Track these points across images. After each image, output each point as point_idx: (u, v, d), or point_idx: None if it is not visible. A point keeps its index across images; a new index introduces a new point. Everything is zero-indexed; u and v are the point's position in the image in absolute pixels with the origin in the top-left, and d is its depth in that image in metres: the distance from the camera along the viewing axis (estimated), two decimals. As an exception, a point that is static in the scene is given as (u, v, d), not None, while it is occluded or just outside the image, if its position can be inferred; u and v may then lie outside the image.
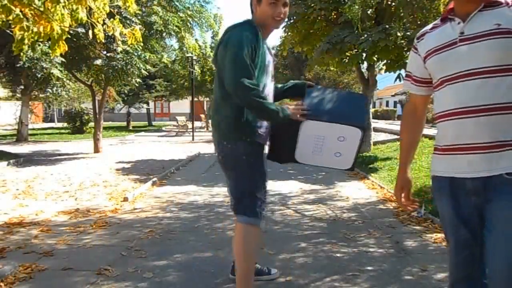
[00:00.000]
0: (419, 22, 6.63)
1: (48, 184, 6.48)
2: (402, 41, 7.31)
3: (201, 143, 14.88)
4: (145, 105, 28.05)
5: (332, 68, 11.40)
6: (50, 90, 15.11)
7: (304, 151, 2.32)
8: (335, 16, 8.34)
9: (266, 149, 2.38)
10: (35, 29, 3.14)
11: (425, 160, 7.44)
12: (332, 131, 2.23)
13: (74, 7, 3.21)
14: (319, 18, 8.36)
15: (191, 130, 17.30)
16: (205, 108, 31.81)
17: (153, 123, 32.60)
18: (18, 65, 10.60)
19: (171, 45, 18.62)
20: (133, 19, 8.60)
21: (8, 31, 3.45)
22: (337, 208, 4.79)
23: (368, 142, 9.67)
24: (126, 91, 23.00)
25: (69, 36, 3.61)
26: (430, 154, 6.90)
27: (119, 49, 6.73)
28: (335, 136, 2.24)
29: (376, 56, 8.08)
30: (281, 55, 20.79)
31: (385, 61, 8.63)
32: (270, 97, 2.31)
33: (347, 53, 8.50)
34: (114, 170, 7.97)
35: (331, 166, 2.46)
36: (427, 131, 15.09)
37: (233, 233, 3.80)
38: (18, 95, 16.26)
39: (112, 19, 3.69)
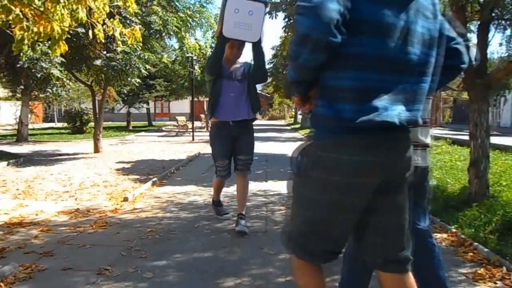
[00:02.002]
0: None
1: (48, 184, 6.48)
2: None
3: (201, 143, 14.87)
4: (145, 105, 28.03)
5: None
6: (50, 90, 15.08)
7: (227, 25, 3.25)
8: (335, 16, 8.33)
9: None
10: (35, 29, 3.14)
11: (425, 160, 7.46)
12: (244, 6, 3.18)
13: (74, 7, 3.21)
14: (319, 18, 8.35)
15: (191, 130, 17.29)
16: (205, 108, 31.80)
17: (153, 123, 32.58)
18: (18, 65, 10.61)
19: (171, 45, 18.63)
20: (133, 19, 8.60)
21: (8, 31, 3.45)
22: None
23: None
24: (126, 91, 22.97)
25: (69, 36, 3.62)
26: (430, 154, 6.92)
27: (119, 49, 6.73)
28: (247, 10, 3.19)
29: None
30: (281, 55, 20.79)
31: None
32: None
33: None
34: (114, 170, 7.97)
35: (245, 39, 3.37)
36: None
37: (233, 232, 3.81)
38: (18, 95, 16.25)
39: (112, 19, 3.70)
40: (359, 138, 1.34)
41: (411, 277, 1.51)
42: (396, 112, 1.34)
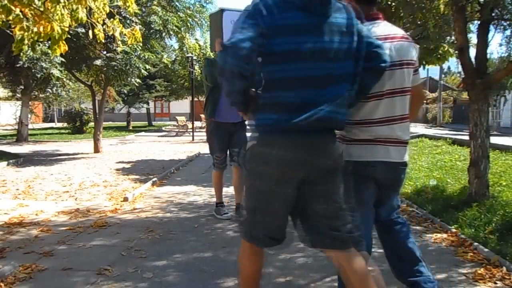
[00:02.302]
0: (419, 22, 6.62)
1: (48, 184, 6.48)
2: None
3: (201, 143, 14.87)
4: (145, 105, 28.04)
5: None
6: (50, 90, 15.09)
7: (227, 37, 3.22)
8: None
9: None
10: (35, 29, 3.14)
11: (425, 160, 7.44)
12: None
13: (74, 7, 3.21)
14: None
15: (191, 130, 17.30)
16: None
17: (153, 123, 32.59)
18: (18, 65, 10.60)
19: (171, 45, 18.62)
20: (133, 19, 8.60)
21: (8, 31, 3.45)
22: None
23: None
24: (126, 91, 23.00)
25: (69, 36, 3.62)
26: (430, 154, 6.90)
27: (119, 49, 6.72)
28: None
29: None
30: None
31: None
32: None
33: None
34: (114, 170, 7.97)
35: None
36: (426, 131, 15.11)
37: (233, 233, 3.81)
38: (18, 95, 16.26)
39: (112, 19, 3.70)
40: (286, 138, 1.66)
41: (356, 254, 1.74)
42: (317, 117, 1.62)
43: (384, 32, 1.95)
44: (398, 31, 2.03)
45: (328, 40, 1.64)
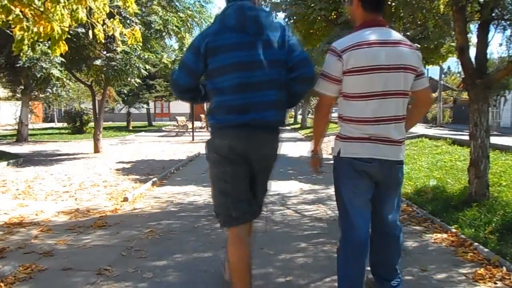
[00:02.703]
0: (419, 22, 6.62)
1: (48, 184, 6.48)
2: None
3: (201, 143, 14.87)
4: (145, 105, 28.03)
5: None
6: (50, 90, 15.09)
7: None
8: (335, 16, 8.32)
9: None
10: (35, 29, 3.13)
11: (425, 160, 7.44)
12: None
13: (74, 7, 3.21)
14: (319, 18, 8.34)
15: (191, 130, 17.30)
16: (205, 108, 31.78)
17: (153, 123, 32.59)
18: (18, 65, 10.60)
19: (171, 45, 18.59)
20: (133, 19, 8.60)
21: (8, 31, 3.45)
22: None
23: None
24: (126, 91, 22.98)
25: (69, 36, 3.61)
26: (430, 154, 6.89)
27: (119, 49, 6.72)
28: None
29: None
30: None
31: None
32: None
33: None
34: (114, 170, 7.97)
35: None
36: (426, 131, 15.10)
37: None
38: (18, 95, 16.25)
39: (112, 19, 3.70)
40: (228, 132, 2.12)
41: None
42: (250, 117, 2.07)
43: (381, 37, 2.05)
44: (398, 38, 2.11)
45: (266, 53, 2.08)
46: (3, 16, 2.98)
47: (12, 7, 2.91)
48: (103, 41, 3.83)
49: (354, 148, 2.08)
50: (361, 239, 2.13)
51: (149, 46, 10.60)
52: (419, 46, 7.13)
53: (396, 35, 2.12)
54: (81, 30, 7.52)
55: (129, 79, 10.49)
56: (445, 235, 3.69)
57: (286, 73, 2.13)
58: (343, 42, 2.06)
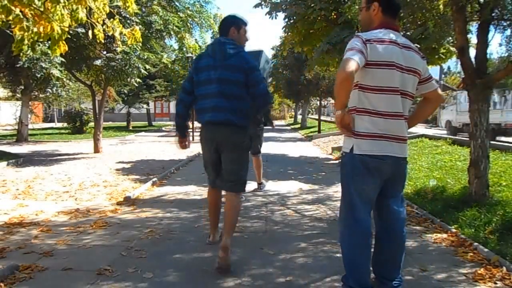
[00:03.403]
0: (419, 22, 6.61)
1: (48, 184, 6.48)
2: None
3: (201, 143, 14.87)
4: (145, 105, 28.03)
5: (332, 69, 11.37)
6: (50, 90, 15.08)
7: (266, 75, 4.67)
8: (335, 16, 8.32)
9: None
10: (35, 29, 3.13)
11: (425, 160, 7.44)
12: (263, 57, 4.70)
13: (74, 7, 3.21)
14: (319, 18, 8.34)
15: (191, 130, 17.29)
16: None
17: (153, 123, 32.59)
18: (18, 65, 10.61)
19: (171, 45, 18.59)
20: (133, 19, 8.59)
21: (8, 31, 3.45)
22: (337, 208, 4.75)
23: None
24: (126, 91, 22.99)
25: (69, 36, 3.62)
26: (430, 154, 6.88)
27: (119, 49, 6.71)
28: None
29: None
30: (281, 55, 20.78)
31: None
32: None
33: (347, 53, 8.47)
34: (114, 170, 7.97)
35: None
36: (426, 131, 15.10)
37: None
38: (18, 95, 16.25)
39: (112, 19, 3.70)
40: (206, 126, 3.11)
41: (234, 196, 3.11)
42: (218, 117, 2.98)
43: (399, 40, 2.20)
44: (410, 44, 2.27)
45: (225, 73, 2.95)
46: (3, 16, 2.98)
47: (12, 7, 2.92)
48: (103, 41, 3.83)
49: (369, 145, 2.14)
50: (366, 232, 2.20)
51: (149, 46, 10.60)
52: (419, 46, 7.14)
53: (409, 41, 2.27)
54: (81, 30, 7.52)
55: (129, 79, 10.49)
56: (445, 235, 3.69)
57: (245, 90, 2.97)
58: (367, 35, 2.14)
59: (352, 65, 1.98)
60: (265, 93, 2.99)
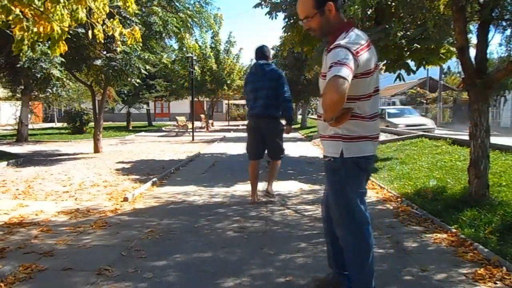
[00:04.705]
0: (419, 22, 6.61)
1: (48, 184, 6.48)
2: (402, 41, 7.29)
3: (201, 143, 14.88)
4: (145, 105, 28.03)
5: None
6: (50, 90, 15.07)
7: None
8: (335, 16, 8.31)
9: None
10: (35, 29, 3.13)
11: (425, 160, 7.44)
12: None
13: (74, 7, 3.21)
14: (319, 18, 8.33)
15: (191, 130, 17.30)
16: (205, 108, 31.78)
17: (153, 123, 32.59)
18: (18, 65, 10.60)
19: (171, 46, 18.60)
20: (133, 19, 8.59)
21: (8, 31, 3.45)
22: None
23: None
24: (126, 91, 22.98)
25: (69, 36, 3.61)
26: (430, 154, 6.87)
27: (119, 49, 6.71)
28: None
29: (375, 56, 8.05)
30: (281, 55, 20.77)
31: (384, 61, 8.62)
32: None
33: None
34: (114, 170, 7.97)
35: None
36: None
37: (233, 233, 3.82)
38: (18, 95, 16.25)
39: (111, 19, 3.69)
40: (251, 118, 5.05)
41: (277, 162, 5.23)
42: (257, 111, 4.93)
43: (366, 38, 2.15)
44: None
45: (265, 83, 4.85)
46: (3, 16, 2.97)
47: (12, 7, 2.91)
48: (103, 41, 3.83)
49: (359, 147, 2.15)
50: (370, 231, 2.28)
51: (149, 46, 10.60)
52: (419, 46, 7.13)
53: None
54: (81, 30, 7.51)
55: (129, 79, 10.48)
56: (445, 235, 3.69)
57: (276, 94, 4.85)
58: (352, 45, 1.99)
59: (347, 87, 1.86)
60: (288, 98, 4.93)
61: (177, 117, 21.43)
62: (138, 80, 11.10)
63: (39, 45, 6.74)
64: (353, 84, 1.95)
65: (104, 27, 3.64)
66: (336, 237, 2.35)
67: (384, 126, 15.28)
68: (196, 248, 3.41)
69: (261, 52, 5.05)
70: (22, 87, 14.72)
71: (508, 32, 4.72)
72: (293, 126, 5.40)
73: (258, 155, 5.05)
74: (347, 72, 1.87)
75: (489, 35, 4.61)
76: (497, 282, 2.71)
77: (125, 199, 5.16)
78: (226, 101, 38.53)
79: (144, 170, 7.88)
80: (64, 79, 12.94)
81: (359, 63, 1.98)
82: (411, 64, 8.22)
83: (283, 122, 5.08)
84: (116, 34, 3.72)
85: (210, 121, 26.64)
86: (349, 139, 2.13)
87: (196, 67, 18.69)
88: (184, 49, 12.72)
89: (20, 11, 3.01)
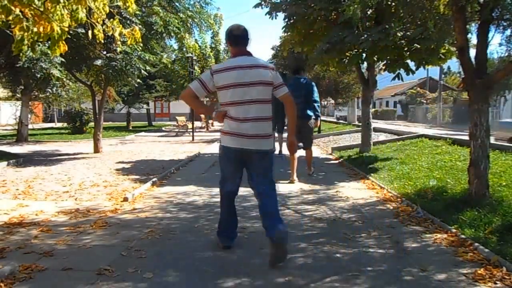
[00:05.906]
0: (419, 22, 6.62)
1: (48, 184, 6.48)
2: (402, 41, 7.30)
3: (201, 143, 14.88)
4: (145, 105, 28.02)
5: (332, 68, 11.37)
6: (50, 90, 15.07)
7: None
8: (335, 16, 8.31)
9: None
10: (35, 29, 3.13)
11: (425, 160, 7.44)
12: None
13: (74, 7, 3.21)
14: (319, 18, 8.34)
15: (191, 130, 17.30)
16: (205, 108, 31.61)
17: (153, 123, 32.59)
18: (18, 65, 10.59)
19: (171, 46, 18.63)
20: (133, 19, 8.59)
21: (8, 31, 3.45)
22: (337, 209, 4.79)
23: (368, 142, 9.64)
24: (126, 91, 22.99)
25: (69, 36, 3.61)
26: (430, 154, 6.87)
27: (119, 49, 6.71)
28: None
29: (375, 56, 8.07)
30: (281, 55, 20.75)
31: (384, 61, 8.62)
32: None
33: (347, 53, 8.48)
34: (114, 170, 7.97)
35: None
36: (427, 131, 15.10)
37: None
38: (18, 95, 16.24)
39: (111, 20, 3.69)
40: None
41: (311, 149, 7.12)
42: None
43: (244, 63, 3.04)
44: (257, 62, 3.08)
45: (299, 92, 6.29)
46: (3, 16, 2.98)
47: (12, 7, 2.92)
48: (102, 41, 3.83)
49: (228, 140, 3.12)
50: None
51: (149, 46, 10.59)
52: (418, 46, 7.11)
53: (256, 61, 3.08)
54: (81, 30, 7.50)
55: (129, 79, 10.48)
56: (445, 235, 3.69)
57: (308, 98, 6.47)
58: (218, 66, 3.10)
59: (190, 95, 3.14)
60: (316, 101, 6.73)
61: (177, 117, 21.43)
62: (138, 80, 11.11)
63: (39, 45, 6.75)
64: (219, 93, 3.08)
65: (104, 27, 3.65)
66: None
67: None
68: (196, 248, 3.41)
69: (298, 68, 7.03)
70: (22, 87, 14.72)
71: (508, 32, 4.73)
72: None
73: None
74: (194, 83, 3.14)
75: (489, 35, 4.61)
76: (497, 282, 2.71)
77: (125, 199, 5.16)
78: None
79: (144, 170, 7.88)
80: (64, 79, 12.93)
81: (214, 79, 3.04)
82: (411, 64, 8.23)
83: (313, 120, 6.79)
84: (116, 34, 3.72)
85: (210, 121, 26.64)
86: (225, 133, 3.12)
87: (196, 67, 18.69)
88: (184, 49, 12.74)
89: (20, 11, 3.01)
